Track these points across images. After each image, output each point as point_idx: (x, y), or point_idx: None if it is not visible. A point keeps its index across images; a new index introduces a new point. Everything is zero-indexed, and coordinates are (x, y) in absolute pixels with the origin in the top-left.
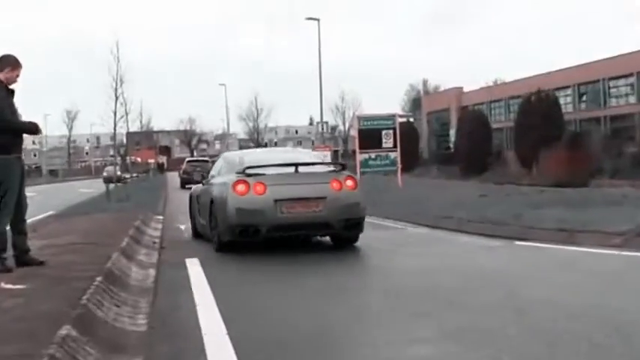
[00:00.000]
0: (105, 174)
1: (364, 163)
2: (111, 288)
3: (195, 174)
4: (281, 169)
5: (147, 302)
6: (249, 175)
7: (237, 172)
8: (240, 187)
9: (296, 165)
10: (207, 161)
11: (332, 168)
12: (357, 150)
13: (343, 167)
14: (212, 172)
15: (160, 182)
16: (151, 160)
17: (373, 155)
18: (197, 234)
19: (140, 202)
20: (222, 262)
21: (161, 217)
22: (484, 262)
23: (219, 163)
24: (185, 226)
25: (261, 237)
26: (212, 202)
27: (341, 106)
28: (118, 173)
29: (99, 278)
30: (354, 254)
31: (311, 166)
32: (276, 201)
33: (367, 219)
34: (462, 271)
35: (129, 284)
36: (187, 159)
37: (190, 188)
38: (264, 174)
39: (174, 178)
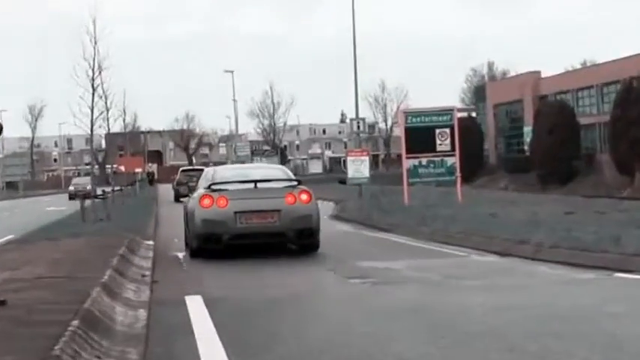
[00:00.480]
0: (71, 188)
1: (413, 171)
2: (90, 335)
3: (190, 185)
4: (242, 185)
5: (137, 353)
6: (214, 191)
7: (205, 188)
8: (206, 201)
9: (255, 181)
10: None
11: (289, 184)
12: (404, 154)
13: (299, 182)
14: (198, 185)
15: (150, 197)
16: (138, 170)
17: (424, 161)
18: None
19: (125, 223)
20: (232, 299)
21: (152, 243)
22: (572, 301)
23: (202, 177)
24: (183, 255)
25: (223, 244)
26: (187, 214)
27: (381, 98)
28: (89, 187)
29: (75, 322)
30: (402, 287)
31: (269, 182)
32: (236, 213)
33: (416, 243)
34: (541, 312)
35: (113, 330)
36: (182, 168)
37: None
38: (227, 189)
39: (167, 191)
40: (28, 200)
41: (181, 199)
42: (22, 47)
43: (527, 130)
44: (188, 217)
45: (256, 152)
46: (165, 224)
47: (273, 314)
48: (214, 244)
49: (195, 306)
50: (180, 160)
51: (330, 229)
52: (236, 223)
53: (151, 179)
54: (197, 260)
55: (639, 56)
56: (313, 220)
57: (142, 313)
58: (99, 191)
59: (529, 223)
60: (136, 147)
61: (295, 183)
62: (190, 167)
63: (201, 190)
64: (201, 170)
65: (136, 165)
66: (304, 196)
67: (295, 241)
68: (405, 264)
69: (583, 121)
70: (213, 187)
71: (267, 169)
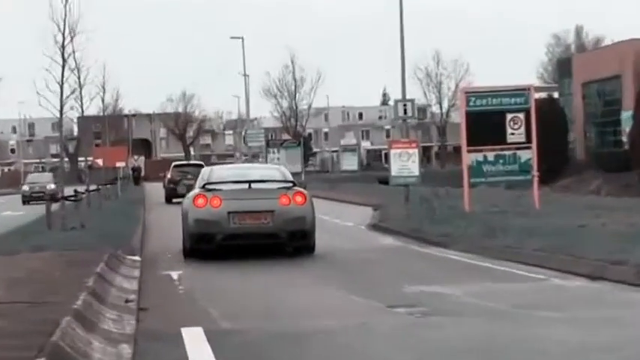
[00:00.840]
0: (25, 187)
1: (476, 169)
2: None
3: (184, 183)
4: (237, 185)
5: None
6: (209, 190)
7: (199, 187)
8: (200, 201)
9: (249, 182)
10: (202, 165)
11: (284, 185)
12: (464, 147)
13: (294, 184)
14: (195, 185)
15: (135, 199)
16: (121, 164)
17: (491, 156)
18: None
19: (103, 232)
20: (242, 331)
21: (138, 258)
22: None
23: (199, 177)
24: (179, 274)
25: (216, 244)
26: (182, 213)
27: (436, 74)
28: (52, 186)
29: None
30: (460, 319)
31: (264, 183)
32: (229, 213)
33: (480, 262)
34: None
35: None
36: (175, 163)
37: (178, 202)
38: (221, 189)
39: (156, 191)
40: None
41: (175, 200)
42: None
43: (627, 115)
44: (182, 216)
45: (273, 142)
46: (155, 234)
47: (294, 353)
48: (207, 245)
49: (195, 341)
50: (174, 152)
51: (367, 243)
52: (229, 224)
53: (136, 176)
54: (197, 281)
55: None
56: (307, 221)
57: (126, 350)
58: (69, 192)
59: (628, 237)
60: (117, 134)
61: (290, 184)
62: (185, 162)
63: (196, 190)
64: (199, 166)
65: (118, 158)
66: (299, 198)
67: (288, 243)
68: (465, 289)
69: None
70: (208, 186)
71: (264, 170)
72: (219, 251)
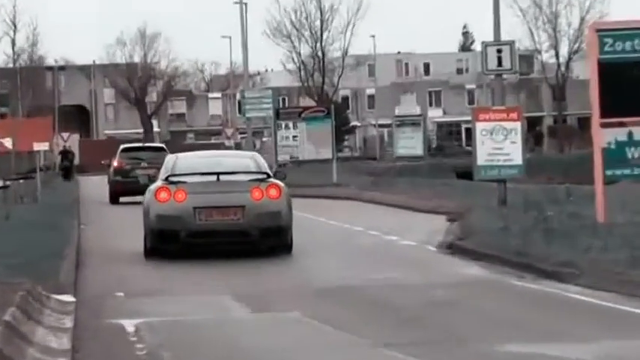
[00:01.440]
0: None
1: (615, 153)
2: None
3: (136, 174)
4: (203, 178)
5: None
6: (172, 183)
7: (162, 179)
8: (162, 195)
9: (218, 173)
10: (162, 149)
11: (256, 177)
12: (596, 117)
13: (268, 176)
14: (159, 176)
15: (65, 202)
16: (41, 146)
17: (639, 133)
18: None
19: (15, 257)
20: None
21: (70, 299)
22: None
23: (163, 166)
24: (135, 323)
25: (180, 243)
26: (144, 209)
27: (548, 2)
28: None
29: None
30: None
31: (234, 175)
32: (195, 208)
33: (622, 305)
34: None
35: None
36: (123, 146)
37: (130, 203)
38: (185, 182)
39: (98, 187)
40: None
41: (124, 200)
42: None
43: None
44: (144, 212)
45: (286, 112)
46: (98, 258)
47: None
48: (170, 244)
49: None
50: (127, 127)
51: (439, 275)
52: (195, 220)
53: (66, 166)
54: (164, 332)
55: None
56: (282, 217)
57: None
58: None
59: None
60: (36, 98)
61: (264, 176)
62: (137, 145)
63: (158, 182)
64: (158, 151)
65: (37, 136)
66: (273, 191)
67: (261, 241)
68: (598, 350)
69: None
70: (171, 178)
71: (236, 158)
72: (183, 251)
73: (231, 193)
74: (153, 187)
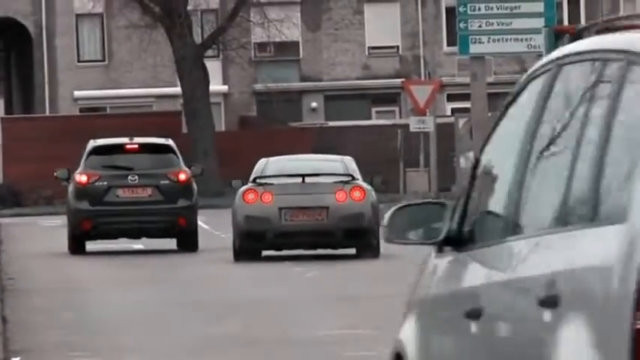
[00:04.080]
0: None
1: None
2: None
3: (118, 196)
4: (289, 179)
5: None
6: (260, 185)
7: (250, 182)
8: (250, 196)
9: (303, 176)
10: (169, 149)
11: (341, 179)
12: None
13: (353, 178)
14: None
15: None
16: None
17: None
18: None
19: None
20: None
21: None
22: None
23: (255, 169)
24: None
25: (267, 243)
26: (232, 211)
27: None
28: None
29: None
30: None
31: (319, 177)
32: (280, 209)
33: None
34: None
35: None
36: (93, 144)
37: (110, 253)
38: (272, 184)
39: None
40: None
41: (92, 249)
42: None
43: None
44: (232, 214)
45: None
46: None
47: None
48: (259, 243)
49: None
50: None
51: None
52: (281, 220)
53: None
54: None
55: None
56: (366, 219)
57: None
58: None
59: None
60: None
61: (349, 178)
62: (122, 141)
63: (247, 185)
64: (161, 152)
65: None
66: (357, 193)
67: (344, 242)
68: None
69: None
70: (259, 180)
71: (323, 162)
72: (270, 250)
73: (316, 194)
74: (241, 189)
